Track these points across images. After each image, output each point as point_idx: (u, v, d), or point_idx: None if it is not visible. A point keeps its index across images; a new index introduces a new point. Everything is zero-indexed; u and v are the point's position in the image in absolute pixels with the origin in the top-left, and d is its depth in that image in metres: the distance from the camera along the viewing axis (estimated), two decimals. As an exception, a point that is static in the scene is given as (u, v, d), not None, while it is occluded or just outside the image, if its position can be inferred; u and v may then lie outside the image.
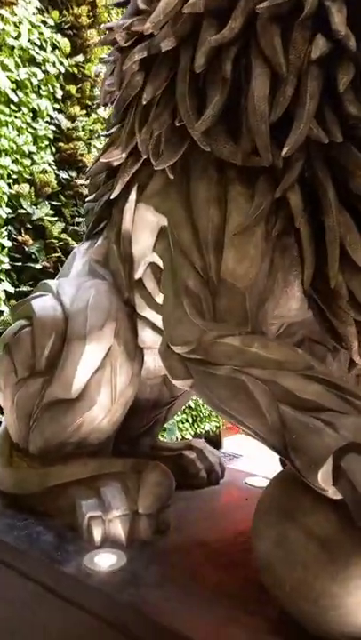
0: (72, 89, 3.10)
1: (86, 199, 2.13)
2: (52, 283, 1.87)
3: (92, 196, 1.99)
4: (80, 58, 3.14)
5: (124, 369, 1.71)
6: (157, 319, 1.79)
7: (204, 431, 5.11)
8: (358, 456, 1.06)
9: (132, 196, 1.65)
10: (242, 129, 1.25)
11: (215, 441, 5.22)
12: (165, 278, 1.48)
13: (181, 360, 1.36)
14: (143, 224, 1.64)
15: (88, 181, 1.87)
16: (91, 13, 3.16)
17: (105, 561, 1.52)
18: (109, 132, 1.86)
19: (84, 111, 3.23)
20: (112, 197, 1.67)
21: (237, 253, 1.29)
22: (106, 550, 1.58)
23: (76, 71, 3.15)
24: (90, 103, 3.26)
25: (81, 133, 3.16)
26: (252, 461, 4.19)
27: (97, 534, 1.60)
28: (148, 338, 1.80)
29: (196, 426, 4.72)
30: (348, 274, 1.30)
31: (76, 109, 3.13)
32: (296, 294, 1.45)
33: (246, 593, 1.35)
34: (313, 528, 1.11)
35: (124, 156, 1.56)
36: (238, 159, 1.24)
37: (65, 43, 3.06)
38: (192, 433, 4.05)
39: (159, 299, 1.74)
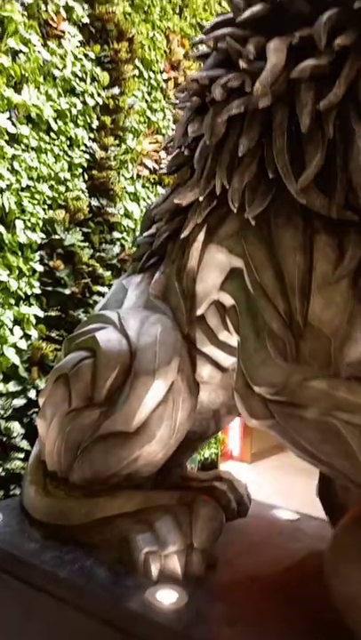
0: (107, 120, 3.18)
1: (139, 234, 2.19)
2: (111, 314, 1.90)
3: (148, 231, 2.05)
4: (116, 90, 3.23)
5: (186, 404, 1.74)
6: (218, 355, 1.83)
7: (203, 458, 5.10)
8: None
9: (201, 236, 1.70)
10: (336, 184, 1.32)
11: (212, 467, 5.22)
12: (244, 318, 1.53)
13: (263, 401, 1.40)
14: (212, 263, 1.69)
15: (157, 220, 1.92)
16: (129, 49, 3.27)
17: (167, 597, 1.52)
18: (171, 171, 1.93)
19: (117, 141, 3.31)
20: (183, 237, 1.72)
21: (324, 300, 1.35)
22: (165, 585, 1.58)
23: (111, 103, 3.23)
24: (121, 134, 3.34)
25: (112, 163, 3.23)
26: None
27: (154, 569, 1.61)
28: (206, 373, 1.83)
29: (196, 453, 4.71)
30: None
31: (110, 139, 3.20)
32: None
33: (317, 629, 1.37)
34: None
35: (200, 199, 1.62)
36: (333, 212, 1.31)
37: (104, 75, 3.15)
38: (195, 459, 4.04)
39: (222, 336, 1.78)
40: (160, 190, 3.82)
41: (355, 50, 1.27)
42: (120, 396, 1.73)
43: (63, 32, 2.85)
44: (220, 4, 4.45)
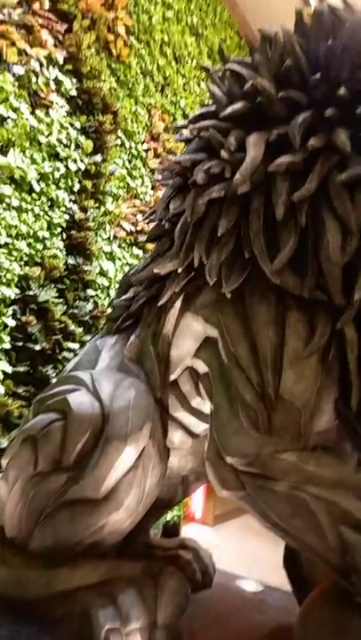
0: (88, 184, 3.32)
1: (116, 296, 2.25)
2: (83, 376, 1.90)
3: (126, 295, 2.11)
4: (98, 157, 3.39)
5: (156, 470, 1.73)
6: (190, 421, 1.85)
7: (166, 521, 4.95)
8: None
9: (178, 303, 1.77)
10: (307, 267, 1.43)
11: (174, 530, 5.05)
12: (217, 386, 1.57)
13: (234, 471, 1.41)
14: (187, 330, 1.75)
15: (135, 285, 1.98)
16: (113, 121, 3.48)
17: None
18: (150, 240, 2.03)
19: (97, 204, 3.43)
20: (160, 304, 1.78)
21: (295, 374, 1.42)
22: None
23: (93, 169, 3.38)
24: (101, 198, 3.47)
25: (91, 224, 3.34)
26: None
27: (115, 649, 1.53)
28: (177, 439, 1.84)
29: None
30: None
31: (90, 202, 3.33)
32: (329, 409, 1.57)
33: None
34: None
35: (179, 270, 1.70)
36: (305, 293, 1.41)
37: (88, 143, 3.31)
38: (158, 524, 3.91)
39: (194, 402, 1.81)
40: (135, 251, 3.94)
41: (325, 150, 1.42)
42: (90, 460, 1.70)
43: (51, 102, 3.02)
44: (198, 84, 4.83)
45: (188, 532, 5.17)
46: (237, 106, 1.55)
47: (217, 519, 6.69)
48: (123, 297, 2.11)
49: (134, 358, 1.93)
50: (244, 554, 5.21)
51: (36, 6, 2.99)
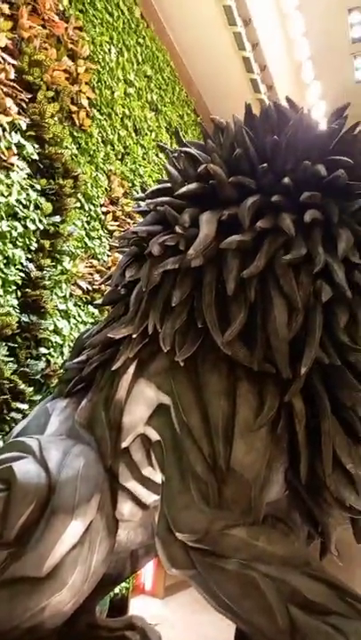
0: (46, 243, 3.35)
1: (69, 359, 2.22)
2: (31, 442, 1.83)
3: (79, 358, 2.09)
4: (57, 218, 3.45)
5: (103, 546, 1.65)
6: (140, 491, 1.80)
7: (113, 594, 4.63)
8: None
9: (132, 369, 1.77)
10: (256, 340, 1.48)
11: (121, 605, 4.72)
12: (169, 456, 1.55)
13: (185, 548, 1.38)
14: (140, 397, 1.74)
15: (88, 348, 1.98)
16: (73, 185, 3.58)
17: None
18: (105, 304, 2.06)
19: (53, 262, 3.45)
20: (114, 368, 1.78)
21: (246, 445, 1.43)
22: None
23: (52, 229, 3.43)
24: (58, 257, 3.50)
25: (47, 282, 3.34)
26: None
27: None
28: (127, 510, 1.78)
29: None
30: (335, 474, 1.48)
31: (47, 261, 3.34)
32: (279, 480, 1.58)
33: None
34: None
35: (134, 336, 1.72)
36: (254, 365, 1.45)
37: (47, 205, 3.38)
38: (105, 601, 3.63)
39: (146, 471, 1.78)
40: (91, 309, 3.94)
41: (272, 232, 1.52)
42: (33, 534, 1.61)
43: (12, 164, 3.08)
44: (156, 155, 5.09)
45: (136, 605, 4.86)
46: (192, 186, 1.65)
47: (167, 590, 6.35)
48: (75, 359, 2.09)
49: (85, 423, 1.88)
50: (193, 629, 4.95)
51: (1, 76, 3.12)
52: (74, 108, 3.79)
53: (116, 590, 4.78)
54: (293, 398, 1.46)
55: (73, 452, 1.72)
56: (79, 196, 3.74)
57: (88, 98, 3.97)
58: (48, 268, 3.36)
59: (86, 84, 3.94)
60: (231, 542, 1.33)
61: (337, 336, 1.46)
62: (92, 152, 4.09)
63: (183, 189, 1.65)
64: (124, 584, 4.64)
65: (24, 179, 3.19)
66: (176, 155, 1.84)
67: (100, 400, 1.86)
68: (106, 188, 4.24)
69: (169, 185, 1.79)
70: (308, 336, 1.43)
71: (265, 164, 1.56)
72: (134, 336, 1.73)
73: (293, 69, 6.89)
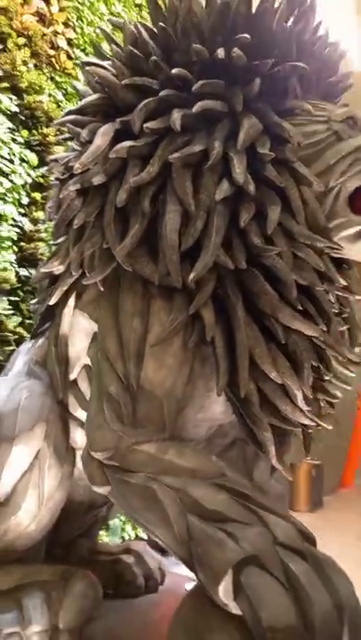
0: (37, 196, 3.37)
1: (32, 301, 2.26)
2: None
3: (36, 299, 2.12)
4: (45, 169, 3.44)
5: (53, 471, 1.71)
6: (89, 420, 1.83)
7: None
8: (258, 569, 1.08)
9: (71, 301, 1.76)
10: (160, 253, 1.40)
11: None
12: (93, 382, 1.55)
13: (100, 466, 1.39)
14: (78, 328, 1.74)
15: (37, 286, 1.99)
16: (58, 132, 3.52)
17: None
18: (56, 242, 2.04)
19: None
20: (50, 304, 1.78)
21: (156, 362, 1.39)
22: (18, 672, 1.48)
23: (42, 181, 3.43)
24: (54, 208, 3.52)
25: (43, 234, 3.38)
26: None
27: (14, 653, 1.52)
28: (79, 438, 1.82)
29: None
30: (261, 382, 1.40)
31: (40, 214, 3.37)
32: (219, 399, 1.53)
33: None
34: (218, 649, 1.10)
35: (61, 268, 1.69)
36: (156, 279, 1.38)
37: (32, 157, 3.37)
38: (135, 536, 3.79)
39: (91, 400, 1.80)
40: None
41: (169, 132, 1.39)
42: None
43: (-11, 121, 3.09)
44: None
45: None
46: (89, 98, 1.55)
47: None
48: (35, 300, 2.12)
49: (40, 361, 1.93)
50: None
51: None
52: (52, 52, 3.67)
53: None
54: (203, 310, 1.38)
55: (18, 387, 1.78)
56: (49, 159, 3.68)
57: (68, 39, 3.82)
58: (42, 221, 3.39)
59: (63, 23, 3.78)
60: (139, 457, 1.32)
61: (248, 238, 1.34)
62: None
63: (82, 102, 1.56)
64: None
65: (5, 133, 3.19)
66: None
67: (51, 336, 1.88)
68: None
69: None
70: (205, 240, 1.32)
71: (154, 58, 1.42)
72: (61, 267, 1.70)
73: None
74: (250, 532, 1.14)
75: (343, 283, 1.50)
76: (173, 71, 1.38)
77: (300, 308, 1.40)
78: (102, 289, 1.57)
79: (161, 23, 1.45)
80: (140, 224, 1.38)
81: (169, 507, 1.21)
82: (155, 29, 1.51)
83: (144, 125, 1.36)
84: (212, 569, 1.11)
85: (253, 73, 1.40)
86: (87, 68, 1.55)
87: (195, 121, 1.40)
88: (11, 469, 1.65)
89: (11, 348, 3.09)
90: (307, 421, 1.51)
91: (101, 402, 1.44)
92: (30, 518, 1.70)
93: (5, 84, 3.23)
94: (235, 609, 1.10)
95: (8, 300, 3.13)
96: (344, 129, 1.51)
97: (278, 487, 1.96)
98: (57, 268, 1.75)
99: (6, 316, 3.09)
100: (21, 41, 3.38)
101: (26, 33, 3.42)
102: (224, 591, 1.09)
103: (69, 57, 3.83)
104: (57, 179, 1.61)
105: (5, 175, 3.20)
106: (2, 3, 3.25)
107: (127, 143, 1.39)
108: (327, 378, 1.55)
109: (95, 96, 1.54)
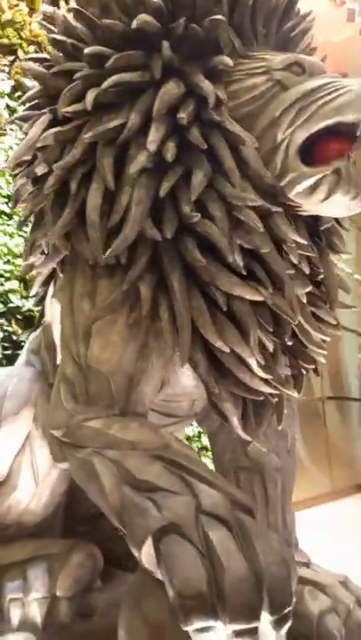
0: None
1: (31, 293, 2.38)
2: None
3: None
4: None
5: (45, 451, 1.80)
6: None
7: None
8: (178, 537, 1.09)
9: (51, 289, 1.85)
10: None
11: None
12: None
13: (59, 443, 1.46)
14: (55, 315, 1.82)
15: None
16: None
17: (17, 645, 1.56)
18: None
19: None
20: (31, 294, 1.88)
21: (101, 340, 1.43)
22: (18, 634, 1.61)
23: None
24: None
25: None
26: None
27: (14, 616, 1.65)
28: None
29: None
30: (218, 351, 1.38)
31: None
32: (187, 372, 1.53)
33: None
34: (148, 614, 1.13)
35: (33, 260, 1.77)
36: (90, 258, 1.41)
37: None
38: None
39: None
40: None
41: (97, 114, 1.40)
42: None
43: (5, 130, 3.27)
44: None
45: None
46: (28, 93, 1.60)
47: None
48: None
49: (36, 350, 2.04)
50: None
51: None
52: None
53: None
54: (140, 284, 1.39)
55: (9, 375, 1.91)
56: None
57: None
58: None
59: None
60: (86, 433, 1.37)
61: (179, 207, 1.33)
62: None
63: (24, 97, 1.62)
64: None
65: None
66: None
67: (43, 325, 1.99)
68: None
69: None
70: (127, 214, 1.32)
71: (70, 40, 1.43)
72: (32, 260, 1.79)
73: None
74: (174, 500, 1.14)
75: (302, 241, 1.43)
76: (86, 50, 1.38)
77: (244, 273, 1.35)
78: (61, 275, 1.63)
79: (78, 4, 1.46)
80: (70, 207, 1.41)
81: (105, 479, 1.25)
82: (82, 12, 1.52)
83: (62, 110, 1.38)
84: (135, 537, 1.13)
85: (170, 37, 1.36)
86: (22, 64, 1.61)
87: (117, 96, 1.39)
88: (4, 451, 1.78)
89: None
90: (268, 389, 1.46)
91: (59, 383, 1.51)
92: (29, 496, 1.83)
93: (19, 94, 3.40)
94: (160, 575, 1.11)
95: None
96: (288, 77, 1.43)
97: (288, 461, 1.91)
98: (34, 260, 1.84)
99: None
100: (32, 49, 3.53)
101: (36, 40, 3.57)
102: (147, 558, 1.11)
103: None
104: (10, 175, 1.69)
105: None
106: (8, 16, 3.42)
107: (53, 130, 1.42)
108: (289, 343, 1.48)
109: (33, 90, 1.59)
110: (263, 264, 1.38)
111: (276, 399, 1.55)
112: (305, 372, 1.64)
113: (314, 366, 1.63)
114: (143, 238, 1.36)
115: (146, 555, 1.11)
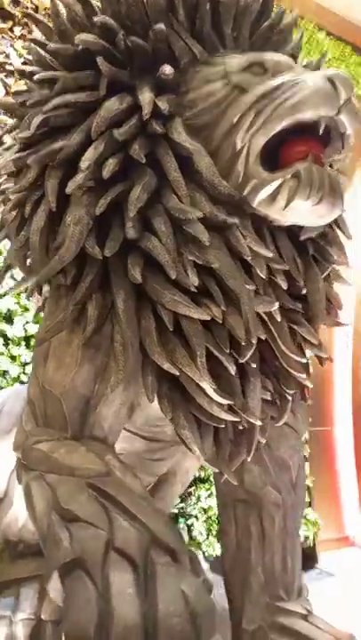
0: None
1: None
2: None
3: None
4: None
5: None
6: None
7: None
8: (82, 573, 1.03)
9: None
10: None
11: (309, 554, 4.50)
12: None
13: (20, 465, 1.46)
14: None
15: None
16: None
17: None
18: None
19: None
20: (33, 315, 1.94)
21: (56, 362, 1.41)
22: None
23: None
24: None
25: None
26: (346, 582, 3.65)
27: (0, 634, 1.68)
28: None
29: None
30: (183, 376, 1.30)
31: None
32: (132, 399, 1.47)
33: None
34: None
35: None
36: (42, 279, 1.41)
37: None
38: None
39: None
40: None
41: (51, 137, 1.42)
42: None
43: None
44: None
45: (328, 559, 4.45)
46: (8, 125, 1.68)
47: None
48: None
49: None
50: None
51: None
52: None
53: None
54: (88, 304, 1.36)
55: (10, 395, 1.98)
56: None
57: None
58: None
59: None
60: (35, 455, 1.34)
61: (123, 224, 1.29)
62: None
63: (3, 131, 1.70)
64: (306, 532, 4.43)
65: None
66: None
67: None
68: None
69: None
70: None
71: (29, 68, 1.47)
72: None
73: None
74: (87, 533, 1.07)
75: (266, 253, 1.31)
76: (36, 76, 1.41)
77: (194, 290, 1.27)
78: (41, 297, 1.66)
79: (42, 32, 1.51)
80: (25, 230, 1.43)
81: (38, 504, 1.21)
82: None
83: (18, 137, 1.42)
84: (48, 567, 1.08)
85: (119, 53, 1.35)
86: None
87: (71, 118, 1.39)
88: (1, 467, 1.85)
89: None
90: (227, 416, 1.33)
91: (25, 404, 1.52)
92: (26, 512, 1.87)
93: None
94: (66, 610, 1.05)
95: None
96: (247, 79, 1.33)
97: (292, 497, 1.73)
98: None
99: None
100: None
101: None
102: (53, 590, 1.06)
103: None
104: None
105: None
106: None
107: (13, 156, 1.46)
108: (254, 365, 1.35)
109: (9, 123, 1.67)
110: (218, 280, 1.28)
111: (247, 427, 1.41)
112: (290, 398, 1.48)
113: (297, 391, 1.46)
114: (90, 257, 1.33)
115: (53, 586, 1.06)
